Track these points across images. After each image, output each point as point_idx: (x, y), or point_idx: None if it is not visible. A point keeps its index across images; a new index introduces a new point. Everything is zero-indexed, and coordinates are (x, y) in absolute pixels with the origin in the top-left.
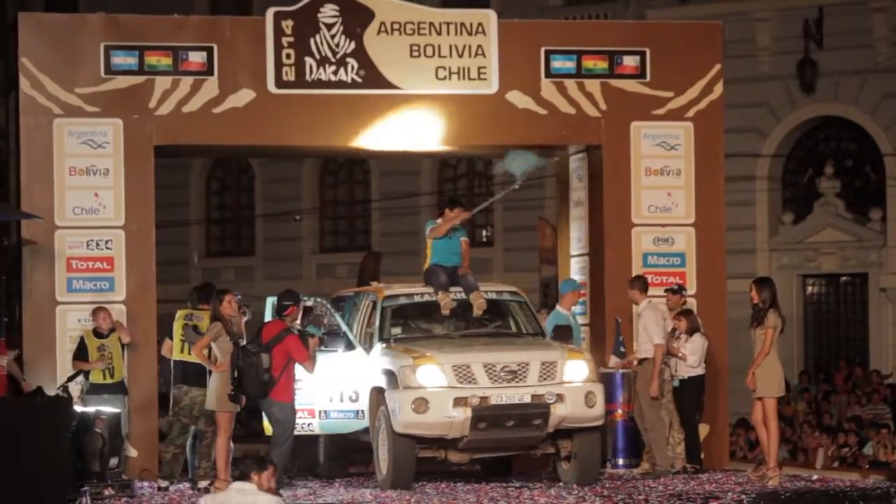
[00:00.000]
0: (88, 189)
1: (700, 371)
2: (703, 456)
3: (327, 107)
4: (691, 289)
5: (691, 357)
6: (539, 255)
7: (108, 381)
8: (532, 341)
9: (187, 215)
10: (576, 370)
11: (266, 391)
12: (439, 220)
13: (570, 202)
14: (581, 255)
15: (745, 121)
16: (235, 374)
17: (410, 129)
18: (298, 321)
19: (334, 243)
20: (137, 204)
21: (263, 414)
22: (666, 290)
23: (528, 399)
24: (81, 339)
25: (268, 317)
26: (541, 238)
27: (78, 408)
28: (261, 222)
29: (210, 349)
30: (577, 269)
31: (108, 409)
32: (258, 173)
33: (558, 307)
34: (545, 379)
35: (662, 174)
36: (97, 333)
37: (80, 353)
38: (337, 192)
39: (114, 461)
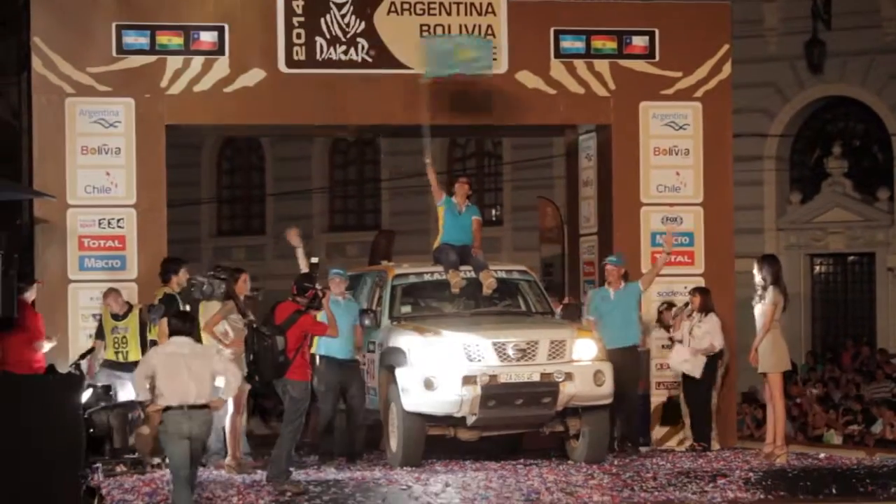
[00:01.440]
0: (100, 168)
1: (715, 352)
2: (715, 434)
3: (337, 86)
4: (699, 268)
5: (717, 342)
6: (540, 235)
7: (122, 360)
8: (541, 320)
9: (198, 194)
10: (585, 349)
11: (282, 373)
12: (455, 199)
13: (579, 181)
14: (590, 234)
15: (753, 101)
16: (251, 356)
17: (420, 109)
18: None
19: (344, 222)
20: (149, 183)
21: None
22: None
23: (537, 377)
24: (101, 318)
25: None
26: (541, 217)
27: (94, 384)
28: (271, 201)
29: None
30: (585, 249)
31: (122, 387)
32: (268, 152)
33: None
34: (554, 357)
35: (671, 154)
36: (113, 315)
37: (98, 333)
38: (347, 171)
39: (130, 439)
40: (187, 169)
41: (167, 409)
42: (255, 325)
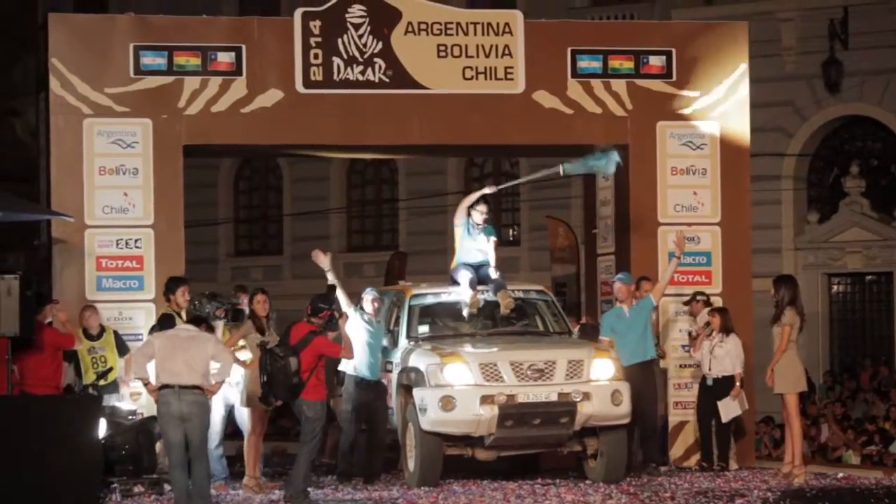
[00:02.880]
0: (118, 188)
1: (732, 372)
2: (733, 453)
3: (355, 107)
4: (717, 287)
5: (737, 361)
6: (551, 255)
7: (102, 382)
8: (559, 340)
9: (216, 214)
10: (602, 368)
11: (296, 394)
12: (472, 220)
13: (597, 201)
14: (607, 253)
15: (771, 120)
16: (264, 378)
17: (437, 129)
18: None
19: (361, 242)
20: (166, 203)
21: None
22: (698, 299)
23: (554, 397)
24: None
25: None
26: (552, 237)
27: (113, 404)
28: (289, 221)
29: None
30: (603, 268)
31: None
32: (286, 172)
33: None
34: (572, 377)
35: (688, 173)
36: (87, 335)
37: (67, 356)
38: (364, 191)
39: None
40: (205, 189)
41: (162, 388)
42: (267, 346)
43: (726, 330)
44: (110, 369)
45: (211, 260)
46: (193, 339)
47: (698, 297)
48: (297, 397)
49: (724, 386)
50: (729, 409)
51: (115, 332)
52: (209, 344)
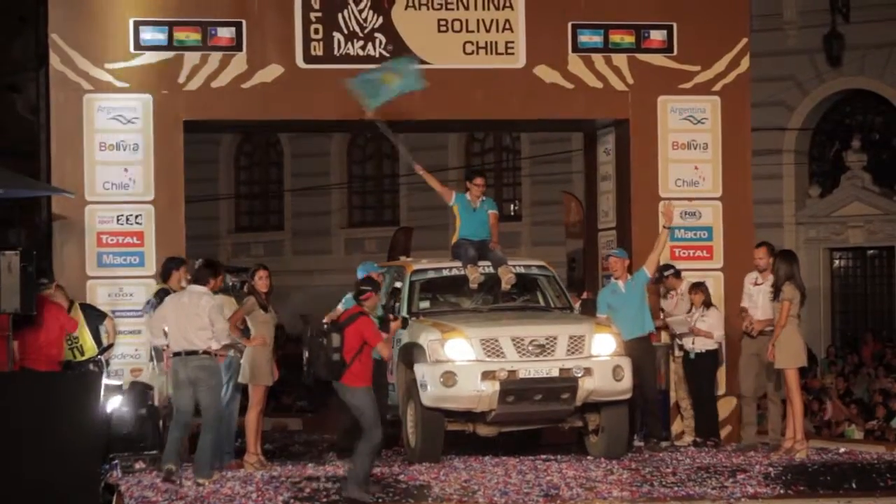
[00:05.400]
0: (118, 164)
1: (715, 346)
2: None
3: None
4: (718, 262)
5: (717, 333)
6: (565, 230)
7: (80, 358)
8: (560, 315)
9: (216, 190)
10: (603, 344)
11: (336, 373)
12: (468, 195)
13: (598, 176)
14: (608, 228)
15: (772, 94)
16: (306, 354)
17: (438, 104)
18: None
19: (362, 218)
20: (167, 179)
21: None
22: (666, 274)
23: (555, 373)
24: None
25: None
26: (566, 212)
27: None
28: (289, 197)
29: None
30: (604, 243)
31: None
32: (287, 148)
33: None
34: (573, 353)
35: (689, 148)
36: None
37: None
38: (365, 166)
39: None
40: (205, 165)
41: (174, 355)
42: (321, 325)
43: (706, 304)
44: (111, 345)
45: (212, 236)
46: (193, 303)
47: (667, 273)
48: (337, 378)
49: (706, 360)
50: (679, 325)
51: (82, 305)
52: (207, 306)
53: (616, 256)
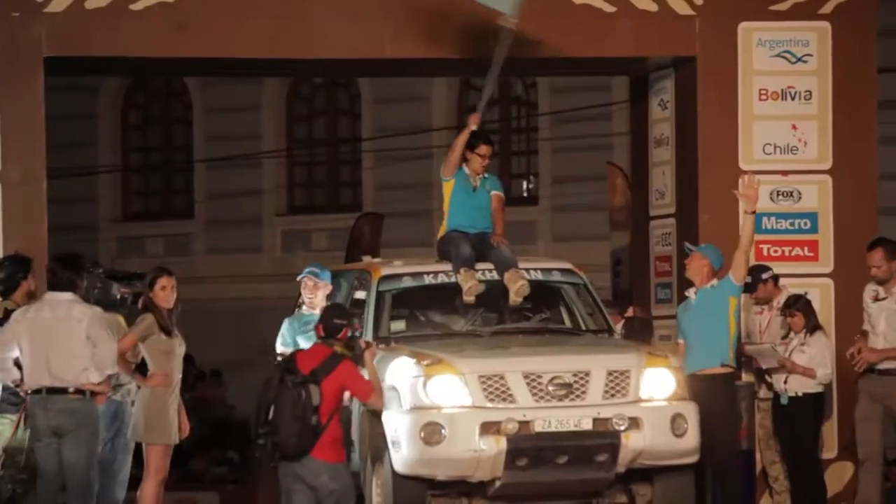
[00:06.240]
0: None
1: (820, 387)
2: None
3: (298, 2)
4: (827, 265)
5: (821, 369)
6: (609, 219)
7: None
8: (593, 341)
9: (95, 161)
10: (658, 383)
11: (310, 444)
12: (468, 170)
13: (650, 141)
14: (664, 216)
15: None
16: (263, 414)
17: (417, 37)
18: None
19: (309, 201)
20: (19, 143)
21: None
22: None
23: (588, 425)
24: None
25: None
26: (610, 193)
27: None
28: (201, 170)
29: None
30: (658, 237)
31: None
32: (197, 99)
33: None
34: (613, 395)
35: (785, 98)
36: None
37: None
38: (312, 126)
39: None
40: (79, 123)
41: (32, 394)
42: (279, 365)
43: (809, 327)
44: None
45: (88, 226)
46: (61, 318)
47: (764, 277)
48: (308, 450)
49: (806, 406)
50: (765, 355)
51: None
52: (84, 320)
53: (696, 253)
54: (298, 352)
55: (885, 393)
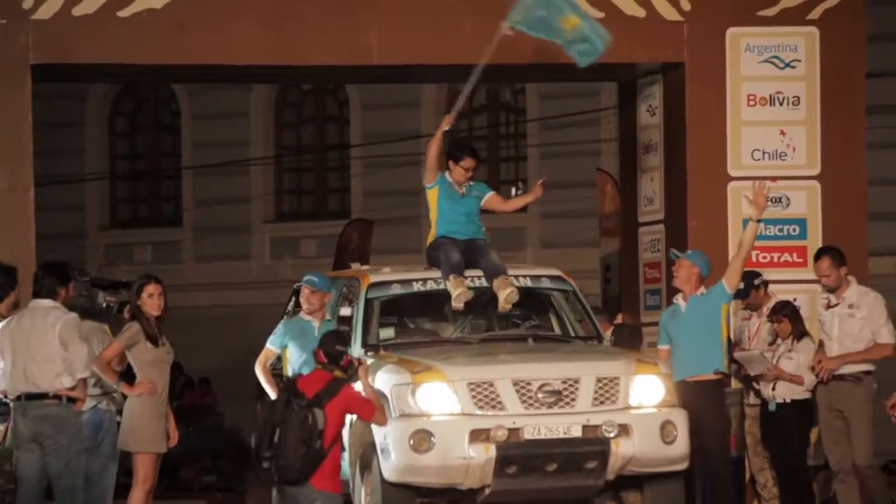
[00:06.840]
0: None
1: (807, 394)
2: None
3: (287, 11)
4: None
5: (808, 376)
6: (599, 224)
7: None
8: (583, 348)
9: (82, 169)
10: (648, 389)
11: (313, 469)
12: (451, 177)
13: (639, 147)
14: (652, 222)
15: None
16: (269, 436)
17: (405, 44)
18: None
19: (297, 208)
20: (6, 150)
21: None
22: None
23: (577, 432)
24: None
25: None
26: (600, 199)
27: None
28: (189, 178)
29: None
30: (647, 244)
31: None
32: (185, 106)
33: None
34: (603, 402)
35: (773, 104)
36: None
37: None
38: (300, 132)
39: None
40: (66, 130)
41: (14, 401)
42: (287, 385)
43: (798, 335)
44: None
45: (76, 234)
46: (38, 325)
47: (757, 282)
48: (310, 475)
49: (793, 412)
50: (753, 362)
51: None
52: (57, 325)
53: (682, 259)
54: (299, 376)
55: (837, 398)
